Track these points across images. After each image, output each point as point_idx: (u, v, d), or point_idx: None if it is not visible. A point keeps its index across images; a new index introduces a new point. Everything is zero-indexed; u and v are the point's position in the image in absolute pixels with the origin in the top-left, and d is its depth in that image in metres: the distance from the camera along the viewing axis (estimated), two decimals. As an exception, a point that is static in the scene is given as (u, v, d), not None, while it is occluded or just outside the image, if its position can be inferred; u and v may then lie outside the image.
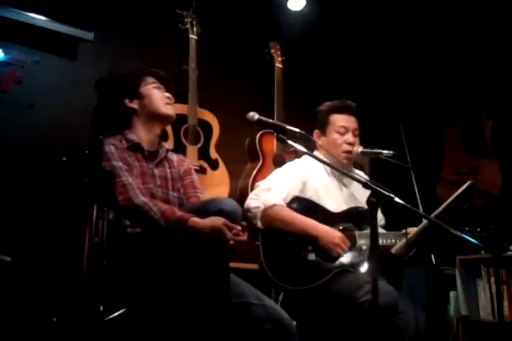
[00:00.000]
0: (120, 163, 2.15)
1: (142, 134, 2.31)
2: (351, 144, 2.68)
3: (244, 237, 2.00)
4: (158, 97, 2.33)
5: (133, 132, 2.30)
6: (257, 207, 2.52)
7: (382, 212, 2.80)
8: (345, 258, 2.50)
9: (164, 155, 2.35)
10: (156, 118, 2.34)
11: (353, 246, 2.52)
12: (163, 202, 2.18)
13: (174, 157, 2.41)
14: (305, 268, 2.48)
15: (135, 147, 2.27)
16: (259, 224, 2.52)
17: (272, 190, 2.56)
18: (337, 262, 2.48)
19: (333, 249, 2.46)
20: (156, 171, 2.28)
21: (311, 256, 2.50)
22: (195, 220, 1.97)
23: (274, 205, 2.52)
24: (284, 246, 2.52)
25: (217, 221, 1.95)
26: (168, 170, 2.32)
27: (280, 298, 2.61)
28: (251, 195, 2.61)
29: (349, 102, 2.77)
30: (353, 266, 2.49)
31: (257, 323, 2.01)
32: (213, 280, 1.92)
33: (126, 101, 2.33)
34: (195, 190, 2.36)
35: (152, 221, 1.98)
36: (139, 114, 2.33)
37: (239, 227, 1.99)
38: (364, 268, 2.49)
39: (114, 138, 2.27)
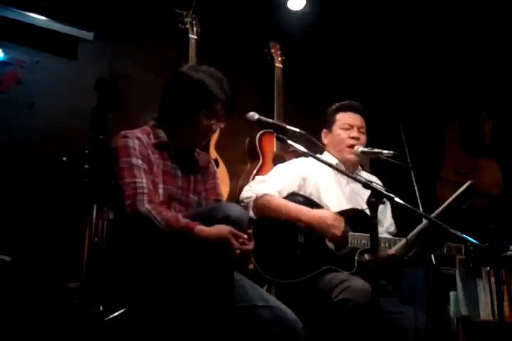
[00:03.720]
0: (140, 161, 2.06)
1: (173, 137, 2.21)
2: (355, 139, 2.72)
3: (250, 246, 1.97)
4: (202, 129, 2.18)
5: (165, 131, 2.19)
6: (249, 197, 2.57)
7: (394, 218, 2.81)
8: (335, 258, 2.50)
9: (191, 154, 2.28)
10: (188, 141, 2.25)
11: (345, 246, 2.52)
12: (182, 205, 2.16)
13: (200, 157, 2.33)
14: (292, 263, 2.49)
15: (162, 145, 2.17)
16: (251, 213, 2.55)
17: (266, 182, 2.61)
18: (325, 260, 2.47)
19: (328, 231, 2.47)
20: (179, 172, 2.19)
21: (300, 251, 2.51)
22: (201, 228, 1.92)
23: (265, 194, 2.55)
24: (274, 238, 2.53)
25: (223, 229, 1.91)
26: (192, 172, 2.25)
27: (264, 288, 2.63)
28: (245, 187, 2.66)
29: (355, 102, 2.83)
30: (341, 266, 2.48)
31: (264, 326, 1.97)
32: (217, 288, 1.89)
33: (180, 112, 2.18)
34: (217, 196, 2.30)
35: (156, 229, 1.94)
36: (181, 126, 2.20)
37: (245, 236, 1.94)
38: (352, 269, 2.48)
39: (142, 131, 2.17)
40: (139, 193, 2.00)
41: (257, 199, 2.55)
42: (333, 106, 2.84)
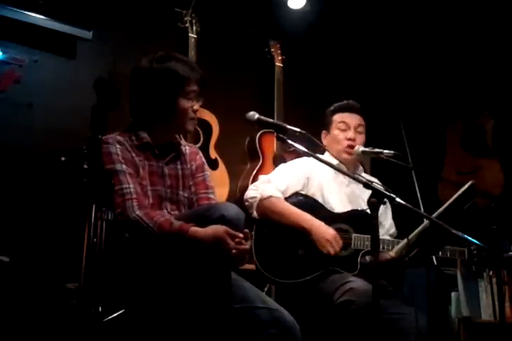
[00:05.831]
0: (124, 166, 2.05)
1: (156, 134, 2.18)
2: (352, 140, 2.72)
3: (246, 246, 1.94)
4: (187, 111, 2.16)
5: (147, 131, 2.16)
6: (254, 197, 2.57)
7: (394, 220, 2.80)
8: (338, 259, 2.48)
9: (176, 149, 2.24)
10: (177, 130, 2.24)
11: (347, 248, 2.51)
12: (173, 203, 2.15)
13: (187, 150, 2.29)
14: (294, 263, 2.49)
15: (145, 146, 2.15)
16: (254, 214, 2.56)
17: (271, 182, 2.61)
18: (328, 261, 2.47)
19: (323, 245, 2.45)
20: (166, 170, 2.17)
21: (302, 251, 2.50)
22: (196, 230, 1.90)
23: (271, 196, 2.55)
24: (276, 238, 2.53)
25: (218, 229, 1.88)
26: (179, 167, 2.22)
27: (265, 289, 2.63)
28: (251, 186, 2.67)
29: (352, 102, 2.83)
30: (344, 267, 2.48)
31: (262, 327, 1.96)
32: (214, 288, 1.88)
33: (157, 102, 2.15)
34: (207, 190, 2.26)
35: (149, 234, 1.93)
36: (163, 120, 2.17)
37: (241, 235, 1.92)
38: (355, 271, 2.47)
39: (122, 135, 2.15)
40: (127, 200, 1.99)
41: (261, 200, 2.55)
42: (331, 108, 2.84)
